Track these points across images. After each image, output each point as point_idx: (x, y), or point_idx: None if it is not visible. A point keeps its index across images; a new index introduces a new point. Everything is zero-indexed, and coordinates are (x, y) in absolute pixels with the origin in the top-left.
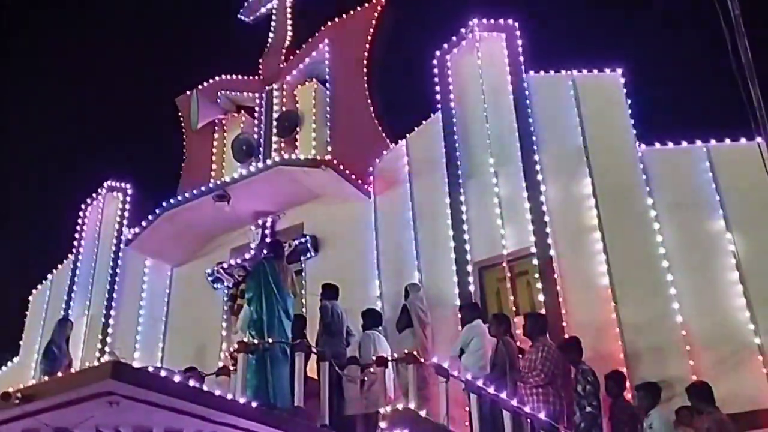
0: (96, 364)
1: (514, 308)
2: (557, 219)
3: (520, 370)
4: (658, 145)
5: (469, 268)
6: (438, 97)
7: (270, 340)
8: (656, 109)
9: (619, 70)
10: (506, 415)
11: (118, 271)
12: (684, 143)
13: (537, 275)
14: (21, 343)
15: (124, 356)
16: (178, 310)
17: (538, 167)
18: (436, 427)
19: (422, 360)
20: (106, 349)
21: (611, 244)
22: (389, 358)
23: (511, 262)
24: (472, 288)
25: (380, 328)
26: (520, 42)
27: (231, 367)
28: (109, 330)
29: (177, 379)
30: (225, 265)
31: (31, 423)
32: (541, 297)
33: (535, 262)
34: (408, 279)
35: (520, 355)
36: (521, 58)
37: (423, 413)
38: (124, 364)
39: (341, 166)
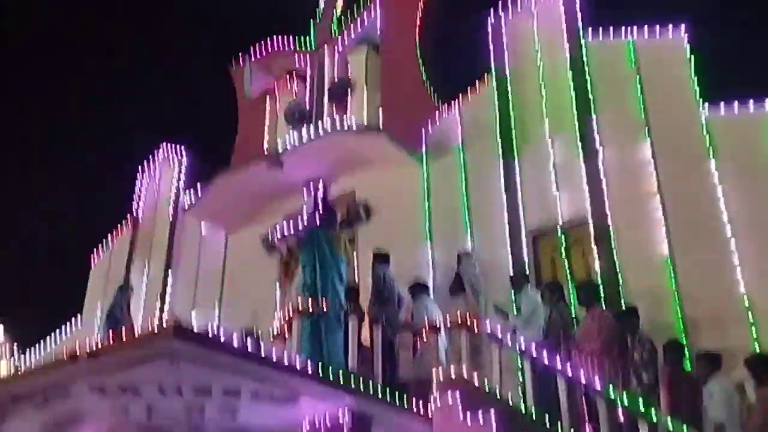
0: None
1: (568, 277)
2: (614, 185)
3: (575, 338)
4: (723, 108)
5: (523, 236)
6: (492, 61)
7: (324, 306)
8: (723, 69)
9: (683, 27)
10: (560, 382)
11: (175, 235)
12: (751, 104)
13: (593, 243)
14: (84, 305)
15: (184, 318)
16: (234, 275)
17: (595, 132)
18: (489, 393)
19: (475, 327)
20: (165, 311)
21: (671, 211)
22: (442, 325)
23: (566, 230)
24: (525, 256)
25: (430, 296)
26: (577, 3)
27: (286, 332)
28: (168, 292)
29: (235, 340)
30: (279, 231)
31: (97, 380)
32: (597, 266)
33: (591, 230)
34: (460, 246)
35: (575, 324)
36: (579, 21)
37: (475, 379)
38: (184, 325)
39: (393, 132)
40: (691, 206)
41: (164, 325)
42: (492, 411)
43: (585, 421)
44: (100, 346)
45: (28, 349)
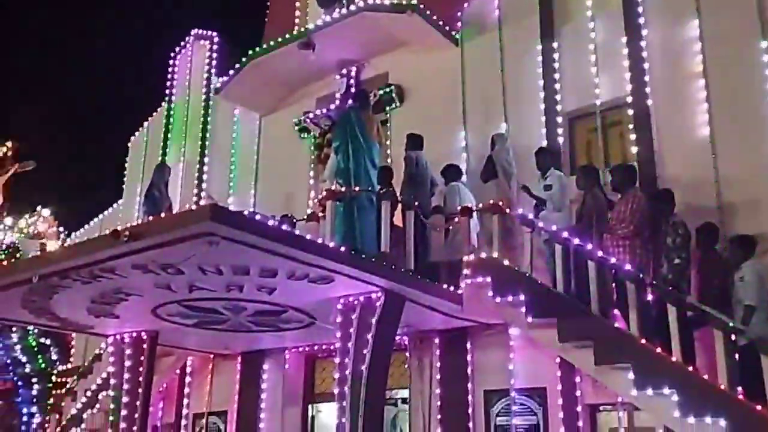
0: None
1: (604, 160)
2: (657, 66)
3: (608, 222)
4: None
5: (559, 118)
6: None
7: (357, 188)
8: None
9: None
10: (591, 266)
11: (209, 118)
12: None
13: (631, 126)
14: (124, 186)
15: (220, 201)
16: (268, 158)
17: (640, 9)
18: (519, 275)
19: (506, 210)
20: (203, 194)
21: (716, 93)
22: (473, 208)
23: (604, 113)
24: (561, 139)
25: (463, 180)
26: None
27: (319, 214)
28: (204, 176)
29: (271, 222)
30: (311, 115)
31: (139, 259)
32: (634, 149)
33: (630, 112)
34: (495, 129)
35: (609, 208)
36: None
37: (506, 262)
38: (221, 207)
39: (428, 12)
40: (737, 88)
41: (201, 207)
42: (521, 292)
43: (613, 304)
44: (139, 226)
45: (73, 233)
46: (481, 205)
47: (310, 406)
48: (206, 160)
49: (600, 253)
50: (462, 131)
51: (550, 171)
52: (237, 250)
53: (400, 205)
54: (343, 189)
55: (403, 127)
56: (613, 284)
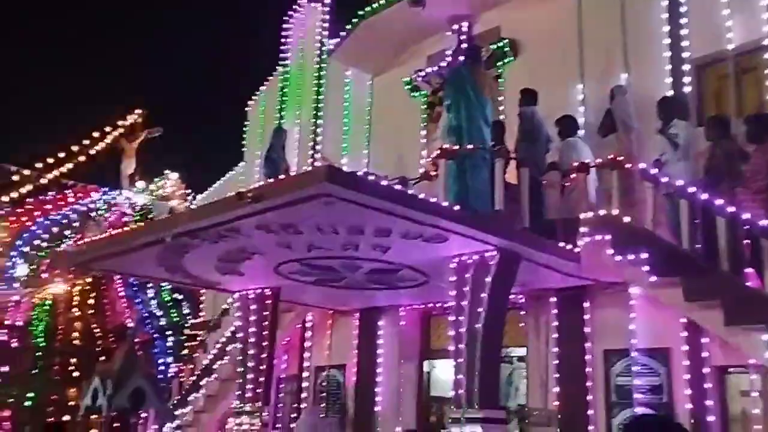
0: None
1: (737, 109)
2: None
3: (741, 175)
4: None
5: (686, 66)
6: None
7: (470, 146)
8: None
9: None
10: (720, 222)
11: (322, 81)
12: None
13: None
14: (244, 150)
15: (335, 162)
16: (380, 118)
17: None
18: (640, 232)
19: (627, 165)
20: (318, 155)
21: None
22: (591, 164)
23: (737, 58)
24: (688, 88)
25: (580, 134)
26: None
27: (432, 173)
28: (319, 138)
29: (384, 182)
30: (423, 73)
31: (261, 220)
32: None
33: (767, 56)
34: (614, 81)
35: (742, 160)
36: None
37: (627, 219)
38: (337, 168)
39: None
40: None
41: (316, 169)
42: (643, 250)
43: (746, 262)
44: (260, 188)
45: (199, 195)
46: (599, 161)
47: (425, 362)
48: (320, 122)
49: (732, 208)
50: (579, 84)
51: (674, 121)
52: (352, 210)
53: (514, 162)
54: (455, 147)
55: (516, 82)
56: (747, 241)
